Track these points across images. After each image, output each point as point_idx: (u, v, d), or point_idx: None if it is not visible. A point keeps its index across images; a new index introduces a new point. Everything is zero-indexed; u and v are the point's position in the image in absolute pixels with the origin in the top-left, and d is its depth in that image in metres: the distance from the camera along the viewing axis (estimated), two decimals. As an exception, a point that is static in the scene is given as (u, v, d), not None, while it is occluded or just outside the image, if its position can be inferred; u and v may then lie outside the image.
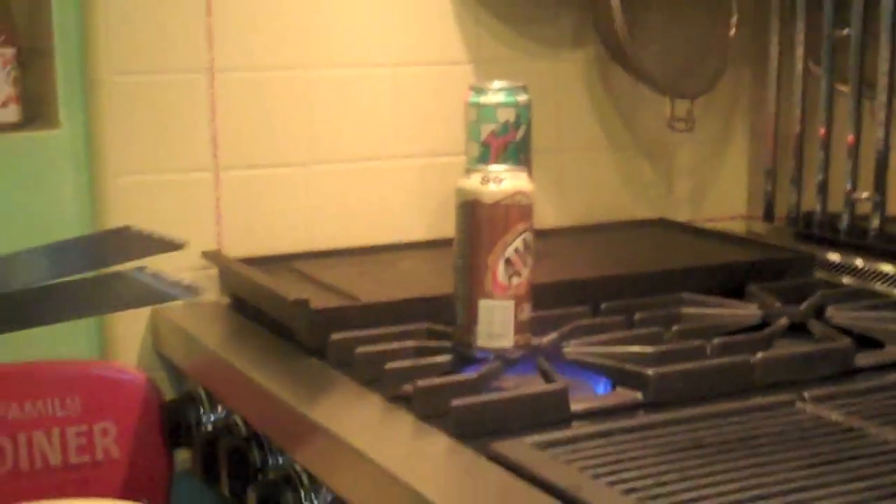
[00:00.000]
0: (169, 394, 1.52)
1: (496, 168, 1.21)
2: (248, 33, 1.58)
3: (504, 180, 1.19)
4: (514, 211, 1.18)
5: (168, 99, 1.54)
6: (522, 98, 1.62)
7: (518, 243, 1.18)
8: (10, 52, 1.52)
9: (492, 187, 1.18)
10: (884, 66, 1.60)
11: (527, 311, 1.20)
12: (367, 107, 1.66)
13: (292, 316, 1.31)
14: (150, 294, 1.04)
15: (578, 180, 1.80)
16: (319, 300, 1.33)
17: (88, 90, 1.52)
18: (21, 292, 1.00)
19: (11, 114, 1.52)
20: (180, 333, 1.45)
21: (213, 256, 1.53)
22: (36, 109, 1.56)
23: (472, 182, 1.19)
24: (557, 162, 1.77)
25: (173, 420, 1.46)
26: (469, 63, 1.71)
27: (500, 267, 1.18)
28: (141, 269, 1.04)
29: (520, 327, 1.19)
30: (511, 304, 1.18)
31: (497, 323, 1.18)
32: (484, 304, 1.18)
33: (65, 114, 1.52)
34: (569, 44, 1.78)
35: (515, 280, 1.18)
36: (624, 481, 0.94)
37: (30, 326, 1.00)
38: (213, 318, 1.47)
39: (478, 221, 1.18)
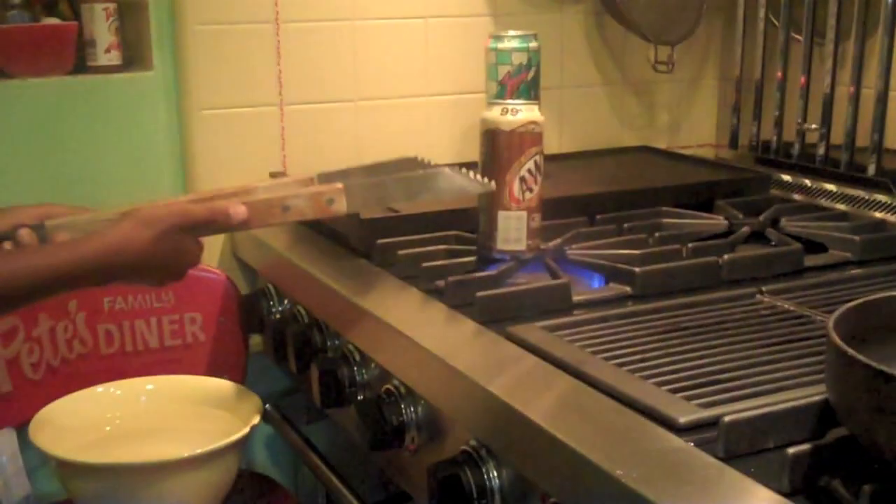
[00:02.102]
0: (244, 289, 1.53)
1: (513, 102, 1.21)
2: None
3: (520, 111, 1.19)
4: (527, 137, 1.18)
5: (242, 45, 1.53)
6: (533, 44, 1.61)
7: (530, 164, 1.19)
8: (112, 6, 1.51)
9: (509, 117, 1.18)
10: (831, 19, 1.58)
11: (537, 220, 1.20)
12: (404, 52, 1.65)
13: (345, 225, 1.32)
14: (460, 188, 1.12)
15: (577, 113, 1.79)
16: (367, 212, 1.32)
17: (177, 38, 1.51)
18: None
19: (113, 58, 1.52)
20: (253, 240, 1.46)
21: (279, 175, 1.53)
22: (134, 54, 1.56)
23: (493, 113, 1.20)
24: (561, 98, 1.76)
25: (248, 310, 1.46)
26: (489, 16, 1.69)
27: (516, 184, 1.18)
28: (452, 166, 1.13)
29: (531, 234, 1.19)
30: (524, 214, 1.18)
31: (513, 230, 1.19)
32: (502, 215, 1.19)
33: (157, 58, 1.52)
34: (571, -1, 1.77)
35: (528, 195, 1.18)
36: (616, 357, 0.95)
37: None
38: (279, 227, 1.46)
39: (497, 146, 1.19)
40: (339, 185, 1.09)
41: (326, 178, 1.14)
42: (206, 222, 1.03)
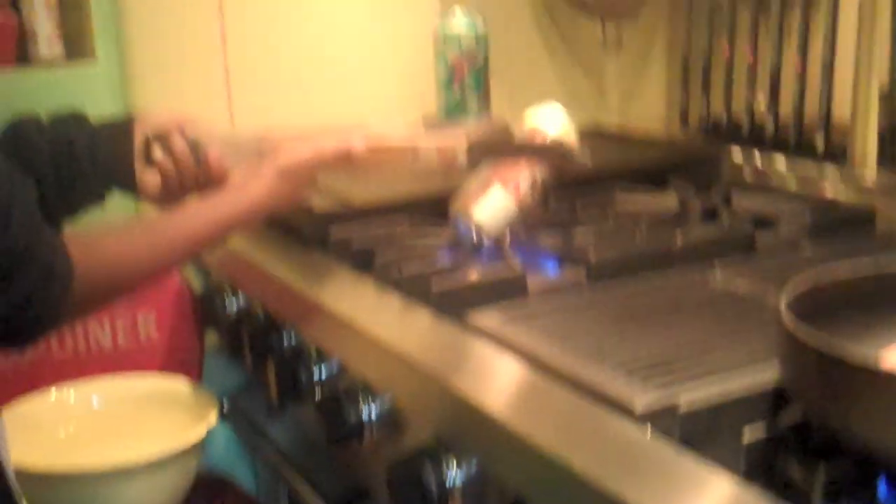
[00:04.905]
0: (199, 287, 1.52)
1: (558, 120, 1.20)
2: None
3: (572, 133, 1.20)
4: (557, 158, 1.17)
5: (186, 31, 1.52)
6: (481, 28, 1.62)
7: (544, 177, 1.18)
8: (52, -3, 1.48)
9: (563, 127, 1.19)
10: (777, -7, 1.60)
11: (517, 220, 1.19)
12: (349, 30, 1.63)
13: (298, 216, 1.30)
14: (568, 162, 1.17)
15: (528, 94, 1.77)
16: (319, 202, 1.32)
17: (121, 27, 1.49)
18: None
19: (56, 49, 1.49)
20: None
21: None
22: (76, 45, 1.52)
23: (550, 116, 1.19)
24: (510, 79, 1.75)
25: (203, 308, 1.45)
26: (436, -1, 1.69)
27: (527, 180, 1.17)
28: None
29: (506, 228, 1.18)
30: (513, 206, 1.17)
31: (497, 209, 1.17)
32: (499, 190, 1.17)
33: (101, 48, 1.49)
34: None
35: (529, 195, 1.17)
36: (573, 343, 0.95)
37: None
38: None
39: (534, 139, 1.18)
40: (465, 142, 1.10)
41: (430, 127, 1.17)
42: (334, 161, 1.08)
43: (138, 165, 1.09)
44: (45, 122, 1.08)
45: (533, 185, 1.16)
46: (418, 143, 1.10)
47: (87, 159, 1.06)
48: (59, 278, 0.87)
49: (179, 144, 1.08)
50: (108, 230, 0.99)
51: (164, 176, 1.09)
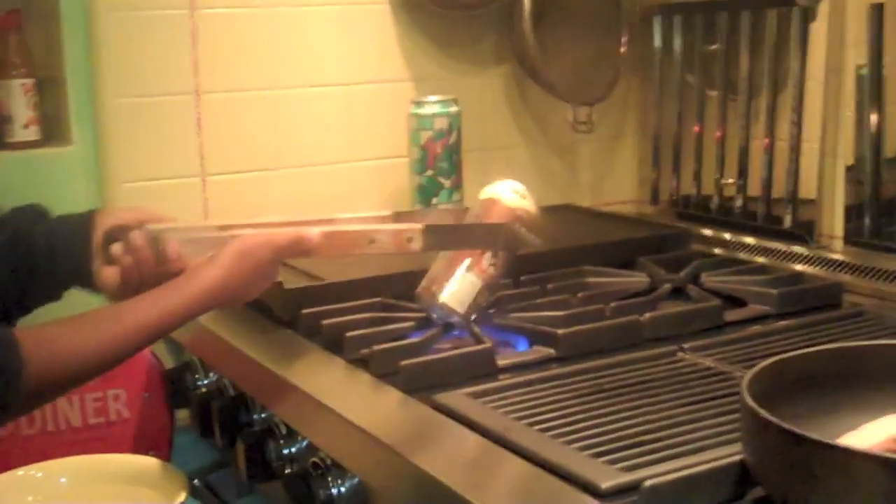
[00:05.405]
0: (168, 363, 1.51)
1: (522, 190, 1.21)
2: (226, 61, 1.57)
3: (526, 199, 1.20)
4: (509, 236, 1.17)
5: (162, 117, 1.53)
6: (454, 109, 1.65)
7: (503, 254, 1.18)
8: (30, 81, 1.50)
9: (513, 198, 1.19)
10: (744, 73, 1.63)
11: (483, 298, 1.18)
12: (325, 119, 1.66)
13: (269, 295, 1.30)
14: (519, 240, 1.17)
15: (500, 174, 1.76)
16: (291, 281, 1.32)
17: (96, 112, 1.51)
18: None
19: (32, 133, 1.51)
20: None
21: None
22: (52, 129, 1.55)
23: (501, 190, 1.20)
24: (483, 159, 1.76)
25: (173, 385, 1.44)
26: (410, 81, 1.71)
27: (489, 254, 1.17)
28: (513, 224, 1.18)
29: (473, 306, 1.18)
30: (480, 284, 1.17)
31: (464, 292, 1.17)
32: (463, 272, 1.17)
33: (77, 132, 1.51)
34: (491, 62, 1.79)
35: (491, 270, 1.17)
36: (540, 422, 0.96)
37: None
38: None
39: (493, 214, 1.18)
40: (419, 226, 1.11)
41: (398, 217, 1.18)
42: (287, 248, 1.08)
43: (97, 261, 1.08)
44: (4, 214, 1.08)
45: (495, 259, 1.17)
46: (373, 229, 1.11)
47: (44, 255, 1.06)
48: (10, 373, 0.87)
49: (138, 240, 1.07)
50: (60, 322, 0.98)
51: (123, 271, 1.08)
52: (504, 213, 1.18)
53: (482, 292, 1.18)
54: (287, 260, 1.14)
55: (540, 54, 1.70)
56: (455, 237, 1.16)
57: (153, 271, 1.07)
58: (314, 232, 1.09)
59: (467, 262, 1.17)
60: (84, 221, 1.10)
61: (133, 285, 1.07)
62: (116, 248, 1.08)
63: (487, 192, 1.21)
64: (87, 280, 1.09)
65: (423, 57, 1.72)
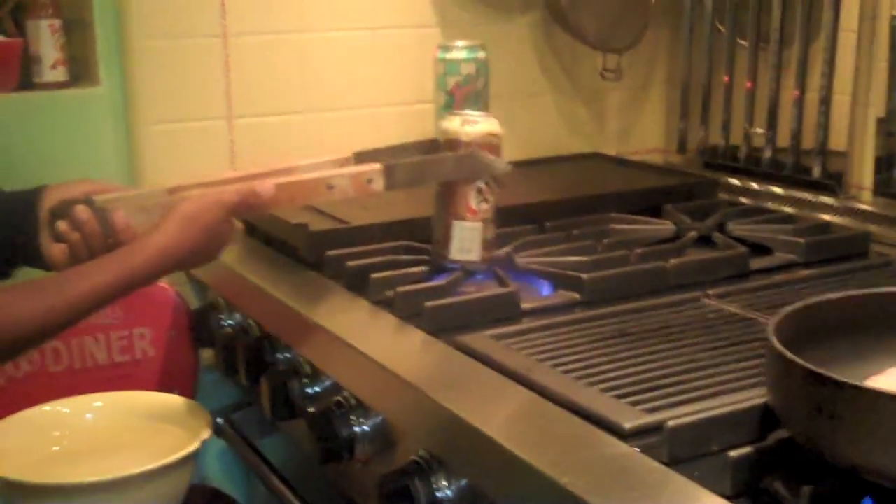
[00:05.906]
0: (194, 303, 1.52)
1: (473, 113, 1.21)
2: (254, 3, 1.56)
3: (479, 123, 1.18)
4: (485, 149, 1.17)
5: (190, 59, 1.52)
6: (481, 55, 1.63)
7: (486, 182, 1.17)
8: (57, 22, 1.49)
9: (468, 128, 1.17)
10: (775, 23, 1.60)
11: (492, 231, 1.19)
12: (351, 64, 1.64)
13: (295, 237, 1.31)
14: (483, 167, 1.16)
15: (527, 121, 1.80)
16: (317, 224, 1.33)
17: (124, 53, 1.50)
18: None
19: (60, 74, 1.50)
20: (203, 253, 1.45)
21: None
22: (80, 70, 1.54)
23: (453, 124, 1.19)
24: (510, 106, 1.75)
25: (198, 324, 1.45)
26: (437, 26, 1.69)
27: (473, 194, 1.17)
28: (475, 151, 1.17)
29: (486, 245, 1.18)
30: (479, 225, 1.17)
31: (468, 240, 1.17)
32: (458, 225, 1.17)
33: (104, 73, 1.51)
34: (519, 9, 1.77)
35: (484, 206, 1.17)
36: (564, 364, 0.96)
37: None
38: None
39: None
40: (378, 166, 1.11)
41: (360, 157, 1.16)
42: (239, 205, 1.06)
43: (45, 238, 1.07)
44: None
45: (481, 193, 1.17)
46: (331, 174, 1.10)
47: None
48: None
49: (83, 214, 1.05)
50: (7, 290, 0.98)
51: (70, 247, 1.06)
52: (468, 144, 1.17)
53: (487, 228, 1.18)
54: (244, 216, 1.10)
55: (569, 0, 1.68)
56: (419, 173, 1.15)
57: (102, 244, 1.05)
58: (267, 185, 1.07)
59: (459, 215, 1.16)
60: (30, 199, 1.09)
61: (83, 261, 1.05)
62: (62, 225, 1.05)
63: (445, 126, 1.20)
64: (35, 258, 1.08)
65: (451, 2, 1.70)
